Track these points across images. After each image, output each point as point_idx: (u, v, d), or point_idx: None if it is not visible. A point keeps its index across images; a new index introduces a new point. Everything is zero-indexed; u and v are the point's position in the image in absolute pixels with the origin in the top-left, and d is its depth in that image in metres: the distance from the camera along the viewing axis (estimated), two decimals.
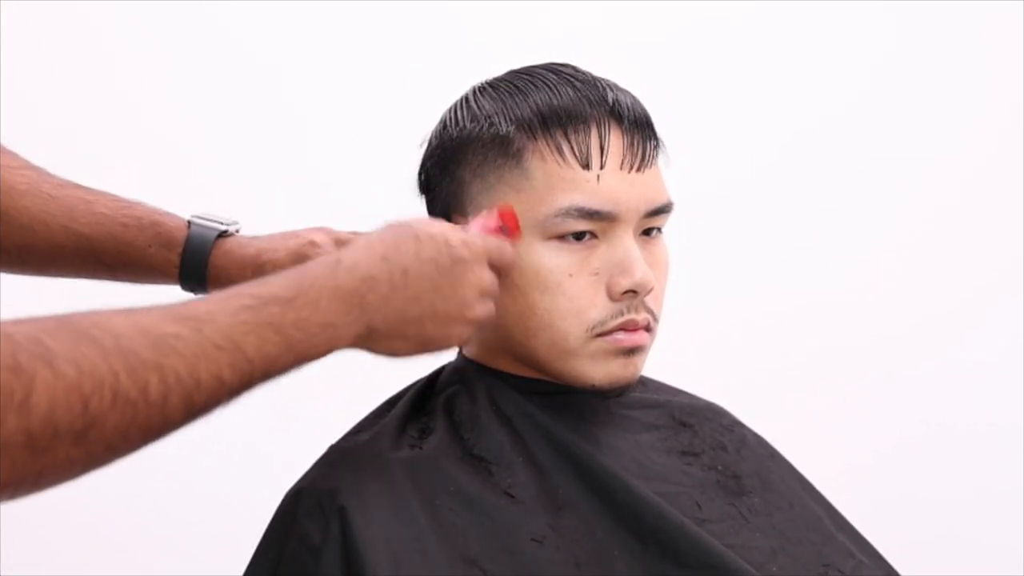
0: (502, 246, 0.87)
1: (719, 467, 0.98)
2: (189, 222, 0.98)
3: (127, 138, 1.73)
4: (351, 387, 1.27)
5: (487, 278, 0.85)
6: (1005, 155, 2.03)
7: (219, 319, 0.69)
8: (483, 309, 0.85)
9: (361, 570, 0.79)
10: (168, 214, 0.99)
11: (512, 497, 0.87)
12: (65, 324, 0.63)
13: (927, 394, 1.99)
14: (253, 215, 1.07)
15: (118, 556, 1.71)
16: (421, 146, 0.99)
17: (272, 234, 1.00)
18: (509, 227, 0.89)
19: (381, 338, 0.80)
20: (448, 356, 1.02)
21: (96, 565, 1.69)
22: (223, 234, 0.98)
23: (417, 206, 1.01)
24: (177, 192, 1.11)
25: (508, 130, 0.92)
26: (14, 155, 0.96)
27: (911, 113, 2.01)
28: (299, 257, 0.96)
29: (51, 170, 0.98)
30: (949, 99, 2.01)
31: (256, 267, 0.97)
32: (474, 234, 0.85)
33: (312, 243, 0.97)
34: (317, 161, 1.81)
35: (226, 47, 1.79)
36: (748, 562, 0.88)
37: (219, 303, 0.71)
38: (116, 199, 0.98)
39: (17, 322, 0.61)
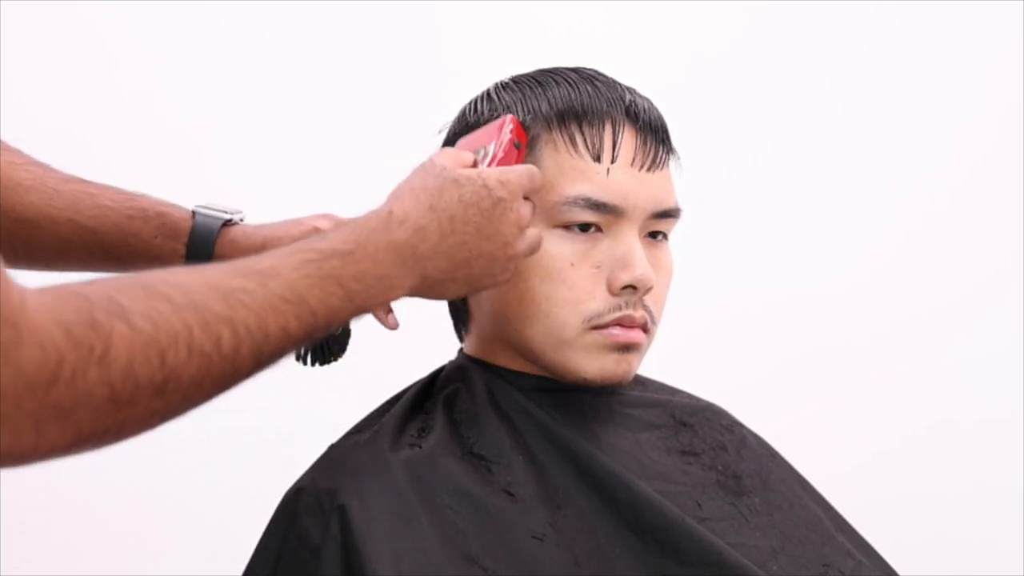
0: (533, 175, 0.88)
1: (719, 467, 0.98)
2: (194, 212, 0.99)
3: (131, 134, 1.73)
4: (352, 387, 1.27)
5: (525, 212, 0.87)
6: (1004, 152, 2.03)
7: (283, 273, 0.73)
8: (523, 244, 0.88)
9: (361, 569, 0.79)
10: (172, 205, 1.00)
11: (512, 495, 0.87)
12: (136, 282, 0.65)
13: (926, 393, 1.99)
14: (261, 210, 1.07)
15: (118, 556, 1.71)
16: (439, 133, 1.01)
17: (276, 222, 1.01)
18: (521, 139, 0.90)
19: (434, 284, 0.84)
20: (448, 355, 1.02)
21: (96, 565, 1.69)
22: (227, 223, 0.99)
23: None
24: (183, 187, 1.11)
25: (524, 118, 0.93)
26: (18, 152, 0.97)
27: (911, 113, 2.01)
28: None
29: (54, 166, 0.99)
30: (949, 98, 2.01)
31: None
32: (508, 171, 0.86)
33: (316, 230, 0.97)
34: (322, 155, 1.81)
35: (230, 42, 1.79)
36: (748, 561, 0.88)
37: (281, 258, 0.74)
38: (120, 192, 0.99)
39: (90, 283, 0.63)
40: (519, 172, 0.87)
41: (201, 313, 0.66)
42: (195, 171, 1.73)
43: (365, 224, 0.80)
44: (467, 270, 0.84)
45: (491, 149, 0.89)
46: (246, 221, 1.02)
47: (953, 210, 2.02)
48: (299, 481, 0.86)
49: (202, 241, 0.98)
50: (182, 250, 0.98)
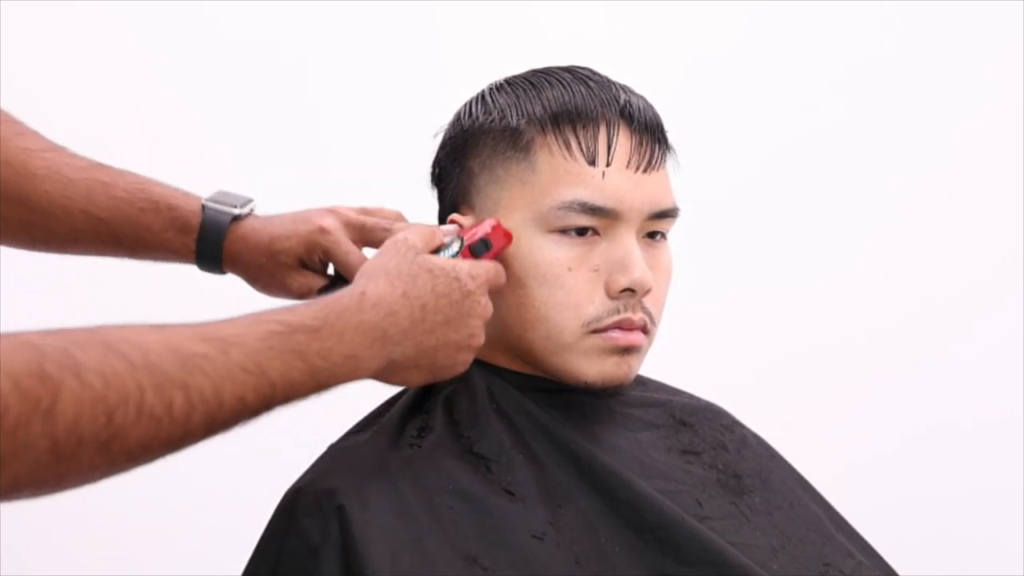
0: (499, 273, 0.91)
1: (719, 466, 0.98)
2: (204, 206, 0.99)
3: (130, 134, 1.73)
4: (351, 386, 1.27)
5: (490, 306, 0.89)
6: (1004, 152, 2.03)
7: (247, 342, 0.72)
8: (484, 335, 0.89)
9: (360, 569, 0.79)
10: (185, 195, 1.00)
11: (512, 495, 0.87)
12: (95, 337, 0.65)
13: (926, 393, 1.99)
14: (270, 210, 1.07)
15: (118, 556, 1.71)
16: (435, 137, 1.00)
17: (284, 216, 1.01)
18: (496, 241, 0.91)
19: (398, 369, 0.84)
20: None
21: (96, 565, 1.69)
22: (236, 219, 0.99)
23: (431, 199, 1.02)
24: (198, 188, 1.11)
25: (519, 123, 0.93)
26: (37, 136, 0.97)
27: (911, 113, 2.01)
28: (310, 245, 0.98)
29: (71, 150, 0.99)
30: (949, 99, 2.01)
31: (270, 254, 0.99)
32: (478, 265, 0.89)
33: (322, 230, 0.98)
34: (320, 155, 1.81)
35: (230, 42, 1.79)
36: (749, 560, 0.88)
37: (248, 327, 0.73)
38: (133, 180, 0.99)
39: (47, 333, 0.63)
40: (487, 267, 0.89)
41: (156, 375, 0.66)
42: (194, 171, 1.72)
43: (336, 302, 0.80)
44: (432, 359, 0.85)
45: (457, 246, 0.91)
46: (256, 211, 1.01)
47: (953, 210, 2.02)
48: (298, 481, 0.86)
49: (212, 238, 0.98)
50: (192, 245, 0.99)
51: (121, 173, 0.99)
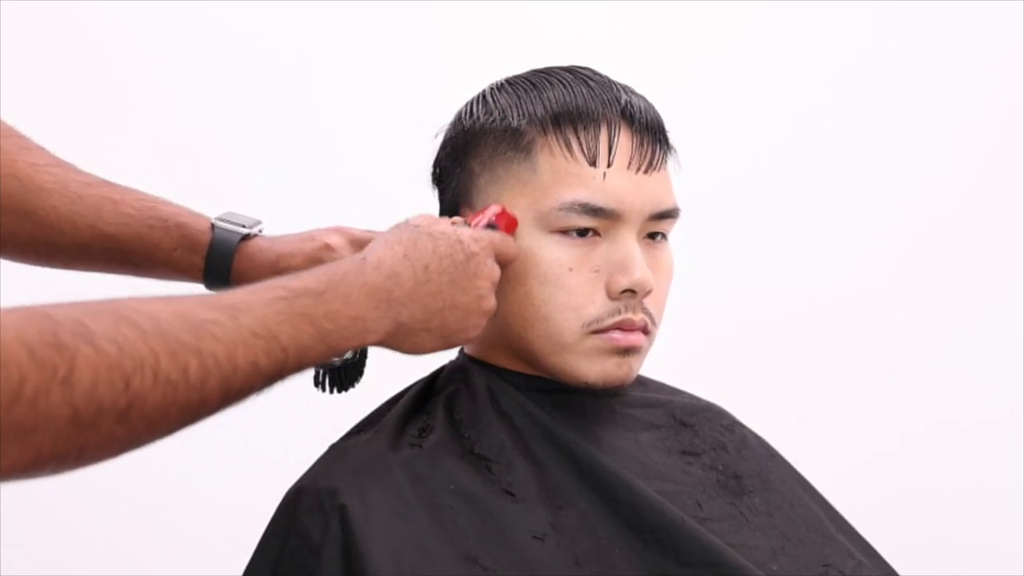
0: (506, 240, 0.90)
1: (720, 467, 0.98)
2: (213, 225, 0.99)
3: (131, 135, 1.73)
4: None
5: (496, 270, 0.89)
6: (1004, 152, 2.03)
7: (255, 308, 0.72)
8: (495, 300, 0.89)
9: (361, 568, 0.79)
10: (194, 214, 1.00)
11: (512, 495, 0.87)
12: (105, 307, 0.65)
13: (926, 393, 1.99)
14: (270, 210, 1.07)
15: (118, 556, 1.71)
16: (436, 137, 1.00)
17: (291, 235, 1.01)
18: (499, 227, 0.91)
19: (408, 332, 0.84)
20: (449, 356, 1.02)
21: (96, 565, 1.69)
22: (245, 237, 0.99)
23: (431, 199, 1.02)
24: (198, 188, 1.11)
25: (520, 123, 0.93)
26: (42, 151, 0.97)
27: (911, 113, 2.01)
28: (315, 262, 0.98)
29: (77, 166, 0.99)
30: (949, 99, 2.01)
31: (275, 272, 0.98)
32: (480, 231, 0.88)
33: (327, 247, 0.98)
34: (319, 156, 1.81)
35: (230, 43, 1.79)
36: (748, 561, 0.88)
37: (253, 294, 0.74)
38: (142, 197, 0.99)
39: (57, 305, 0.63)
40: (491, 234, 0.89)
41: (169, 342, 0.66)
42: (195, 171, 1.73)
43: (338, 267, 0.80)
44: (441, 321, 0.85)
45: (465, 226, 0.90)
46: (264, 230, 1.02)
47: (953, 210, 2.02)
48: (300, 481, 0.86)
49: (220, 256, 0.98)
50: (201, 263, 0.98)
51: (129, 191, 0.98)
